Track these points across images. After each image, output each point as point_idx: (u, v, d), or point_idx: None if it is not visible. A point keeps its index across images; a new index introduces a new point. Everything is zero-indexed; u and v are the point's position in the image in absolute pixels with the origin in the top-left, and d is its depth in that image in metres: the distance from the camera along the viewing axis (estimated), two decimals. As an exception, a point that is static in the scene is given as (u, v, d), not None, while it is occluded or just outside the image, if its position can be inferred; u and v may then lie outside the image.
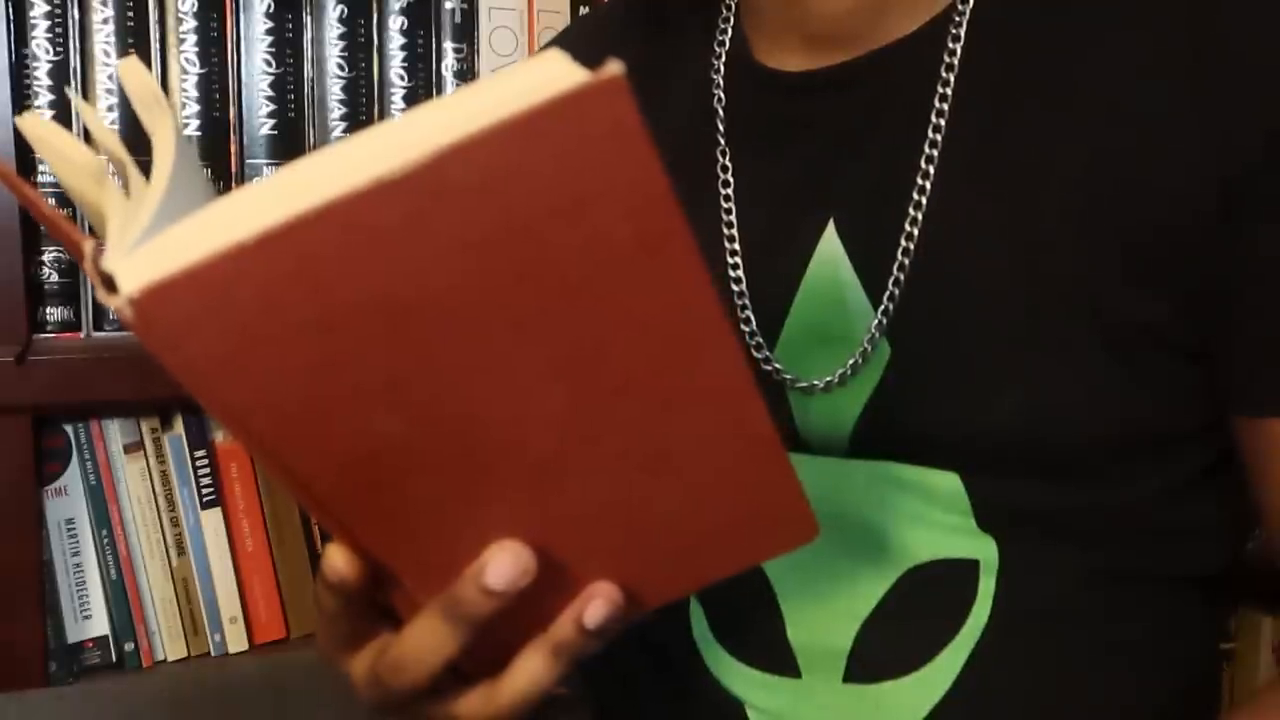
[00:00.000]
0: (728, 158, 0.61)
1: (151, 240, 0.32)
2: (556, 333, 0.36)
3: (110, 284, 0.32)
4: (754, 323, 0.58)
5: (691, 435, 0.41)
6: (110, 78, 0.91)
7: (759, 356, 0.58)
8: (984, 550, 0.55)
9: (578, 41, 0.75)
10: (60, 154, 0.42)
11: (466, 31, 1.00)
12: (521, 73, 0.31)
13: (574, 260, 0.34)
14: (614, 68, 0.30)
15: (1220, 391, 0.54)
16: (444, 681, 0.46)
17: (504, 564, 0.41)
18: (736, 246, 0.59)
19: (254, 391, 0.35)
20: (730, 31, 0.64)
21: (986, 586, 0.55)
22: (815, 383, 0.56)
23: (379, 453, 0.38)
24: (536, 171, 0.32)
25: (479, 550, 0.41)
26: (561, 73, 0.30)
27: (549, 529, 0.42)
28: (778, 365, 0.57)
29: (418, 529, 0.41)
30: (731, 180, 0.61)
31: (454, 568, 0.42)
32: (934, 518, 0.55)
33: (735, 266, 0.59)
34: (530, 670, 0.45)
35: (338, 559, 0.43)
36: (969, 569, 0.56)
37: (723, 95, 0.63)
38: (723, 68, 0.63)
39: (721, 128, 0.62)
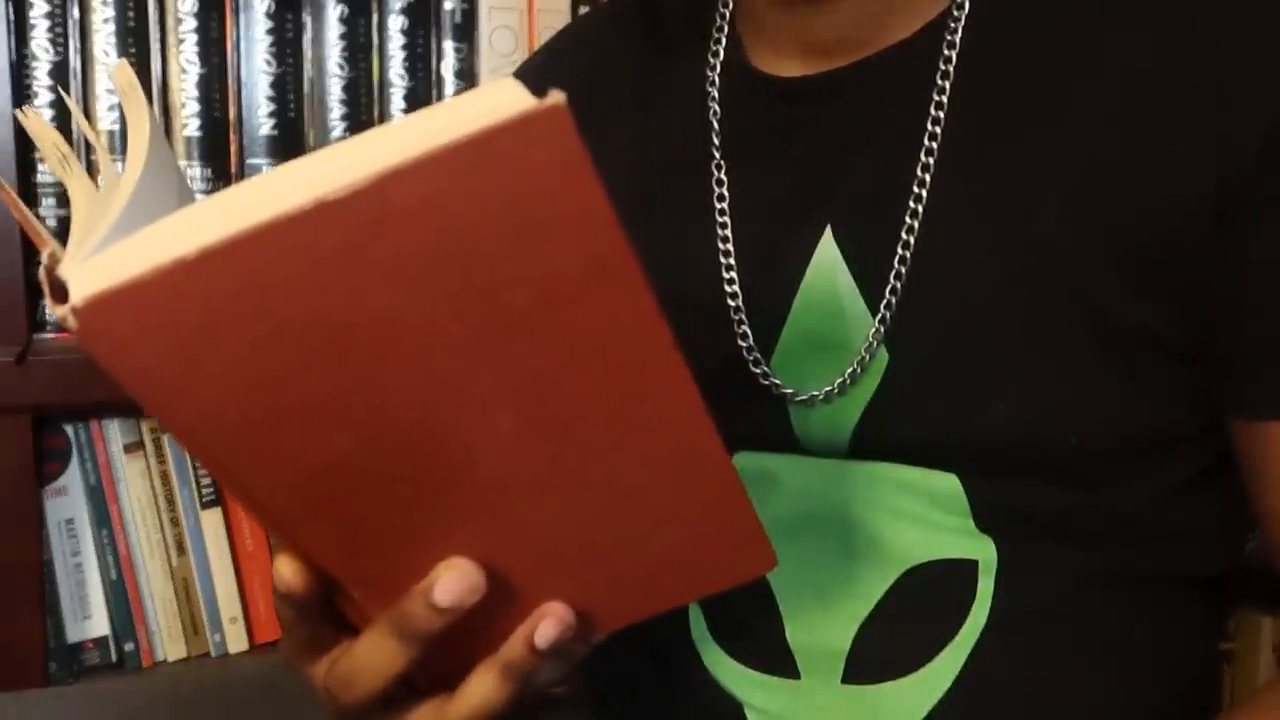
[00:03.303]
0: (723, 171, 0.61)
1: (106, 250, 0.32)
2: (504, 358, 0.36)
3: (62, 291, 0.32)
4: (750, 337, 0.58)
5: (645, 462, 0.41)
6: (110, 77, 0.91)
7: (756, 371, 0.57)
8: (982, 551, 0.55)
9: (573, 43, 0.75)
10: (44, 145, 0.43)
11: (466, 31, 1.00)
12: (472, 98, 0.31)
13: (519, 288, 0.34)
14: (555, 96, 0.31)
15: (1217, 394, 0.54)
16: (398, 694, 0.46)
17: (452, 582, 0.41)
18: (732, 261, 0.59)
19: (199, 404, 0.35)
20: (725, 40, 0.64)
21: (985, 587, 0.55)
22: (815, 394, 0.56)
23: (328, 468, 0.38)
24: (477, 198, 0.32)
25: (430, 566, 0.42)
26: (508, 100, 0.31)
27: (502, 548, 0.42)
28: (776, 380, 0.57)
29: (368, 544, 0.41)
30: (727, 195, 0.60)
31: (405, 582, 0.42)
32: (932, 518, 0.55)
33: (731, 281, 0.59)
34: (481, 689, 0.45)
35: (286, 570, 0.43)
36: (968, 569, 0.56)
37: (718, 103, 0.62)
38: (718, 77, 0.63)
39: (716, 139, 0.62)
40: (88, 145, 0.91)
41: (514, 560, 0.42)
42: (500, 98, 0.31)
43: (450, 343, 0.35)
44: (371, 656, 0.44)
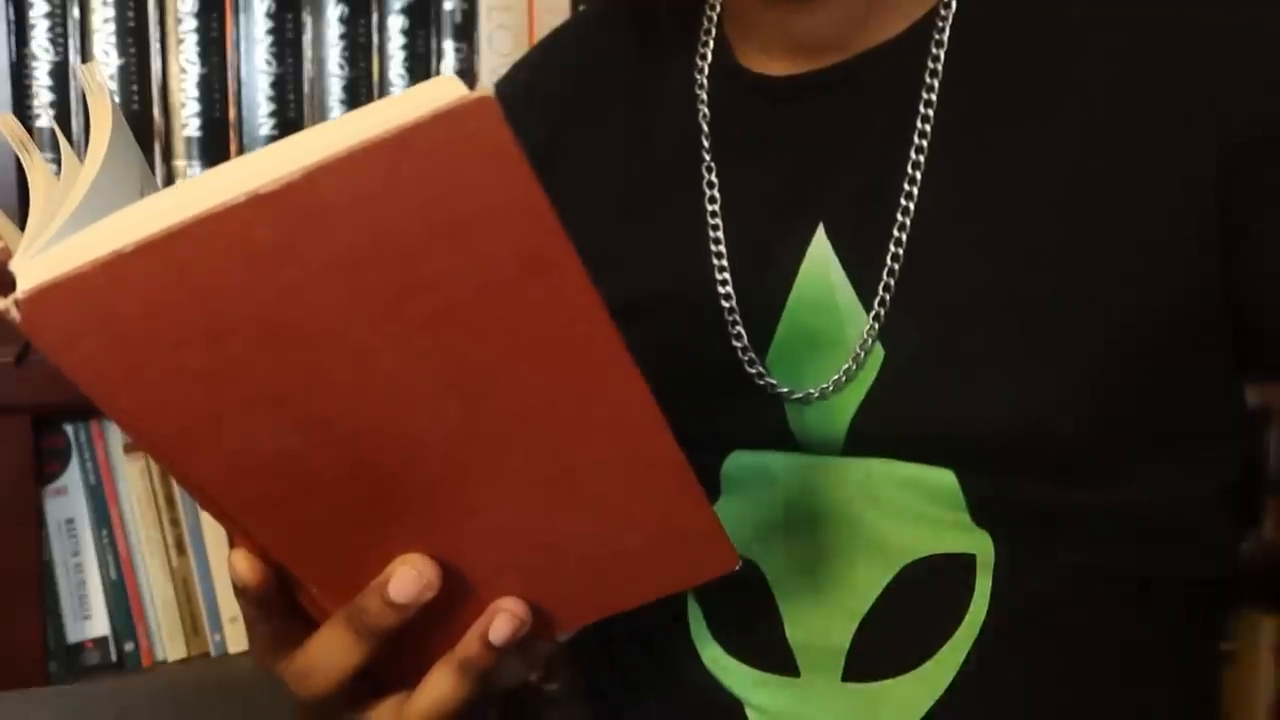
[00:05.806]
0: (714, 173, 0.61)
1: (57, 244, 0.33)
2: (444, 353, 0.36)
3: (14, 285, 0.33)
4: (745, 336, 0.58)
5: (598, 459, 0.41)
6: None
7: (751, 370, 0.57)
8: (980, 546, 0.55)
9: (567, 41, 0.74)
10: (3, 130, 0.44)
11: (466, 31, 1.01)
12: (408, 95, 0.32)
13: (456, 282, 0.35)
14: (483, 89, 0.31)
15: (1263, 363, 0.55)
16: (361, 689, 0.46)
17: (407, 578, 0.41)
18: (725, 261, 0.59)
19: (143, 397, 0.36)
20: (712, 42, 0.64)
21: (984, 583, 0.55)
22: (810, 391, 0.56)
23: (276, 464, 0.38)
24: (407, 192, 0.32)
25: (387, 561, 0.42)
26: (441, 94, 0.31)
27: (458, 544, 0.42)
28: (771, 379, 0.57)
29: (322, 539, 0.41)
30: (718, 195, 0.60)
31: (362, 577, 0.42)
32: (930, 513, 0.55)
33: (724, 281, 0.59)
34: (439, 686, 0.45)
35: (241, 564, 0.43)
36: (965, 565, 0.56)
37: (707, 106, 0.62)
38: (706, 80, 0.63)
39: (706, 140, 0.61)
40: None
41: (471, 556, 0.43)
42: (435, 92, 0.31)
43: (387, 338, 0.36)
44: (327, 651, 0.44)
